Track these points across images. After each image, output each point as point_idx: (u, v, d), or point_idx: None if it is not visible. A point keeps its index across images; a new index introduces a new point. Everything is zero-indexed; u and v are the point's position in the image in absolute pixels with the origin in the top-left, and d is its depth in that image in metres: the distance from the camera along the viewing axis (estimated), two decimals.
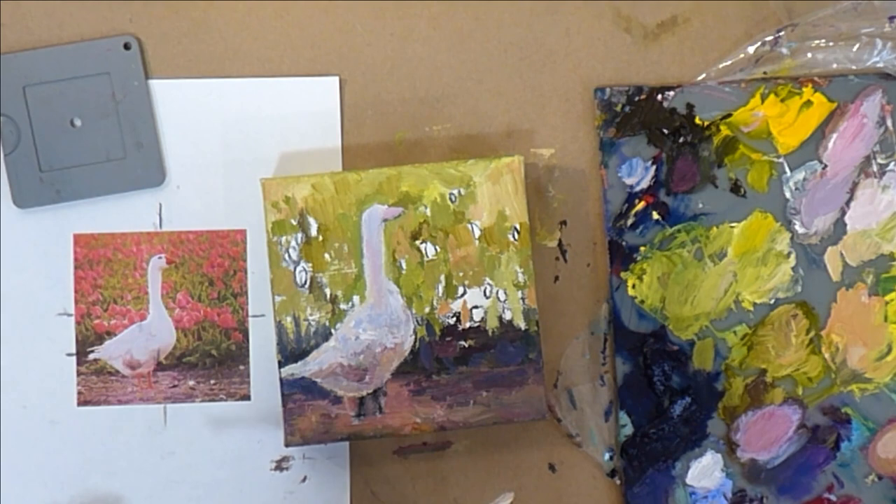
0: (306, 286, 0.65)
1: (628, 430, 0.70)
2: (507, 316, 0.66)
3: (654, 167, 0.70)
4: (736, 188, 0.70)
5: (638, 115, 0.70)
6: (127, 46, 0.68)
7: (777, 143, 0.70)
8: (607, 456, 0.70)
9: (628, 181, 0.70)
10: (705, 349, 0.70)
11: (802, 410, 0.70)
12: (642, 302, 0.70)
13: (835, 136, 0.70)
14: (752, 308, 0.70)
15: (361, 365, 0.65)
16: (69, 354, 0.69)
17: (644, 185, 0.70)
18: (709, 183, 0.70)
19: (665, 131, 0.70)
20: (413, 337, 0.66)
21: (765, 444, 0.70)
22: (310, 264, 0.65)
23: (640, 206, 0.70)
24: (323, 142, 0.69)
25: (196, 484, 0.69)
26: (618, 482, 0.70)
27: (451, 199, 0.66)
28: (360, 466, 0.70)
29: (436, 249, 0.66)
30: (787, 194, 0.70)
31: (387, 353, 0.66)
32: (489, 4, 0.70)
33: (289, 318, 0.65)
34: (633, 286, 0.70)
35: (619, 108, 0.70)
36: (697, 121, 0.70)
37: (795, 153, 0.70)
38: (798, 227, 0.70)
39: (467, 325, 0.66)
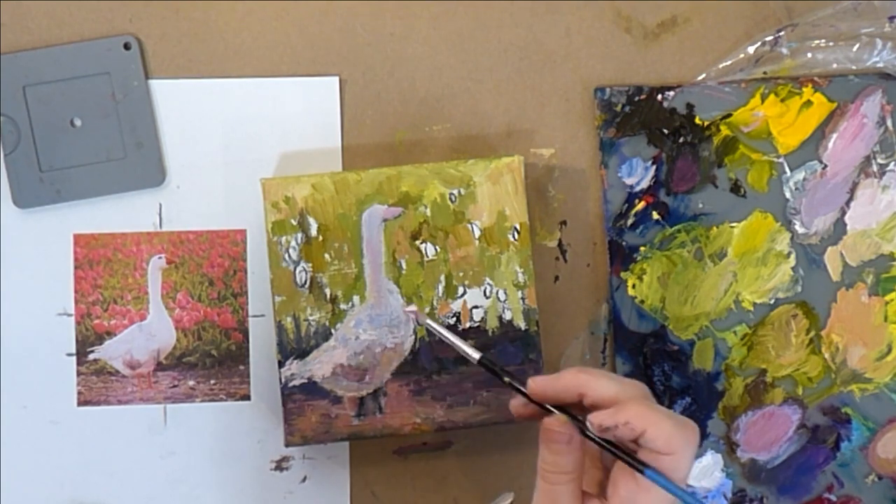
0: (306, 286, 0.65)
1: None
2: (507, 316, 0.66)
3: (654, 167, 0.70)
4: (736, 188, 0.70)
5: (638, 115, 0.70)
6: (127, 46, 0.68)
7: (777, 143, 0.70)
8: None
9: (628, 181, 0.70)
10: (705, 349, 0.70)
11: (802, 410, 0.70)
12: (642, 302, 0.70)
13: (835, 136, 0.70)
14: (752, 308, 0.70)
15: (361, 365, 0.65)
16: (69, 354, 0.69)
17: (644, 185, 0.70)
18: (709, 183, 0.70)
19: (665, 131, 0.70)
20: (413, 337, 0.66)
21: (765, 444, 0.70)
22: (310, 264, 0.65)
23: (640, 206, 0.70)
24: (323, 142, 0.69)
25: (196, 484, 0.69)
26: None
27: (451, 199, 0.66)
28: (360, 466, 0.70)
29: (436, 249, 0.66)
30: (787, 194, 0.70)
31: (387, 353, 0.66)
32: (489, 4, 0.70)
33: (289, 318, 0.65)
34: (633, 286, 0.70)
35: (619, 108, 0.70)
36: (697, 121, 0.70)
37: (795, 153, 0.70)
38: (798, 227, 0.70)
39: (467, 325, 0.66)
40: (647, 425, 0.49)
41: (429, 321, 0.57)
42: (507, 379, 0.55)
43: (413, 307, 0.59)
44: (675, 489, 0.50)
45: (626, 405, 0.50)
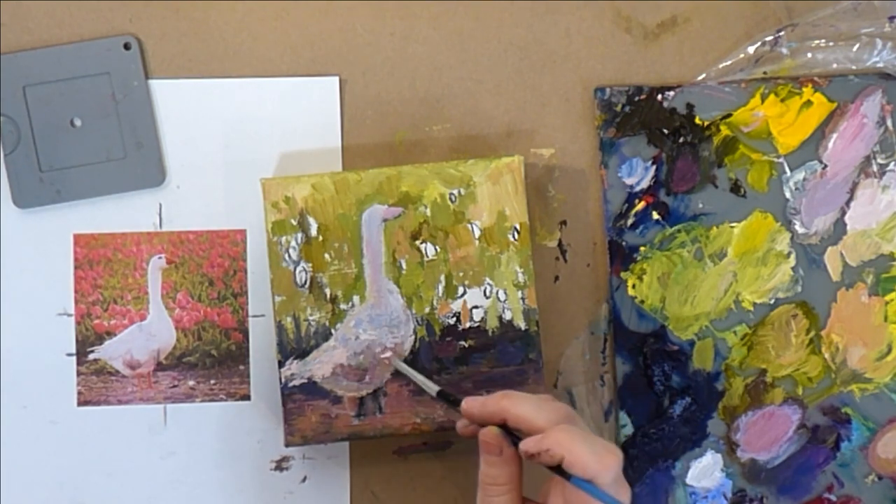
0: (306, 286, 0.65)
1: (628, 430, 0.69)
2: (507, 316, 0.66)
3: (654, 167, 0.70)
4: (736, 188, 0.70)
5: (638, 115, 0.70)
6: (127, 46, 0.68)
7: (777, 143, 0.70)
8: None
9: (628, 181, 0.70)
10: (705, 349, 0.70)
11: (802, 410, 0.70)
12: (642, 302, 0.70)
13: (835, 136, 0.70)
14: (752, 308, 0.70)
15: (361, 365, 0.65)
16: (69, 354, 0.69)
17: (644, 185, 0.70)
18: (709, 183, 0.70)
19: (665, 131, 0.70)
20: (413, 337, 0.66)
21: (765, 444, 0.70)
22: (310, 264, 0.65)
23: (640, 206, 0.70)
24: (323, 142, 0.69)
25: (196, 484, 0.69)
26: None
27: (451, 199, 0.66)
28: (360, 466, 0.70)
29: (436, 249, 0.66)
30: (787, 194, 0.70)
31: (387, 352, 0.66)
32: (489, 4, 0.70)
33: (289, 318, 0.65)
34: (633, 286, 0.70)
35: (619, 108, 0.70)
36: (697, 121, 0.70)
37: (795, 153, 0.70)
38: (798, 227, 0.70)
39: (467, 325, 0.66)
40: (564, 453, 0.52)
41: (397, 362, 0.64)
42: (459, 408, 0.59)
43: (389, 355, 0.65)
44: (599, 492, 0.52)
45: (550, 433, 0.53)
